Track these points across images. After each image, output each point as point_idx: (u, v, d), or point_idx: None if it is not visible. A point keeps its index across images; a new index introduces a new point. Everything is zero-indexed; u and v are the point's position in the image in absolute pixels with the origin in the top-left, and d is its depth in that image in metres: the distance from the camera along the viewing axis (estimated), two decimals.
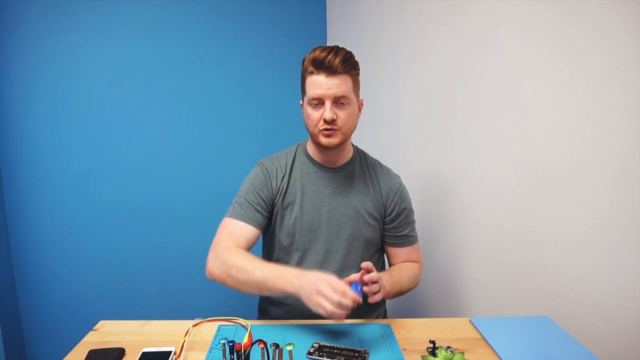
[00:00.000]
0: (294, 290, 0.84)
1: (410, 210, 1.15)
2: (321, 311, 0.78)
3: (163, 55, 1.99)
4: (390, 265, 1.19)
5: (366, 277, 0.88)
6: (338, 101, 0.99)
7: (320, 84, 0.97)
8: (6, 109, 1.85)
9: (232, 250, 0.97)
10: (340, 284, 0.79)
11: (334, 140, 1.01)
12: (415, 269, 1.13)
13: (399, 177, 1.16)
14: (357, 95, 1.05)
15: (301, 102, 1.07)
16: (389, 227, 1.13)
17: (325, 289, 0.78)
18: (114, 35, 1.92)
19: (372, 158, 1.18)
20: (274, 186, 1.09)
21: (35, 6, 1.82)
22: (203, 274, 0.98)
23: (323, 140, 1.01)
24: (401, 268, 1.11)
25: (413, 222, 1.16)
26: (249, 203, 1.05)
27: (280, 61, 2.15)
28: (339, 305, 0.77)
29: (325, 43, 2.23)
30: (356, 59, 1.01)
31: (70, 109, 1.91)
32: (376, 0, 1.73)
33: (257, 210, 1.05)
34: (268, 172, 1.09)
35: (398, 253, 1.15)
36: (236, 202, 1.07)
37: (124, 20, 1.92)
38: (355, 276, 0.88)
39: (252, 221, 1.03)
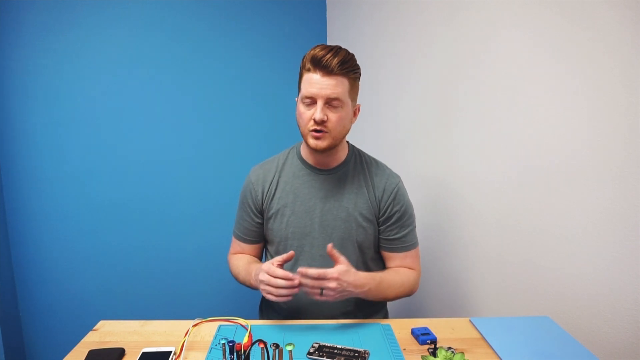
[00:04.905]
0: (257, 284, 0.94)
1: (406, 213, 1.08)
2: (270, 297, 0.88)
3: (162, 56, 1.99)
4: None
5: (311, 272, 0.85)
6: (330, 103, 0.95)
7: (314, 82, 0.95)
8: (6, 109, 1.85)
9: (231, 259, 1.17)
10: (273, 270, 0.88)
11: (321, 144, 0.98)
12: (410, 276, 1.07)
13: (398, 177, 1.11)
14: (354, 100, 1.02)
15: (297, 98, 1.04)
16: (381, 228, 1.08)
17: (262, 277, 0.89)
18: (113, 35, 1.91)
19: (369, 157, 1.13)
20: (258, 195, 1.10)
21: (35, 4, 1.81)
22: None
23: (311, 141, 0.99)
24: (396, 272, 1.06)
25: (409, 226, 1.09)
26: (240, 221, 1.15)
27: (280, 61, 2.14)
28: (272, 285, 0.87)
29: (325, 43, 2.23)
30: (358, 62, 0.99)
31: (71, 109, 1.90)
32: (376, 0, 1.73)
33: (248, 228, 1.14)
34: (252, 183, 1.11)
35: (391, 258, 1.09)
36: (236, 216, 1.18)
37: (122, 20, 1.92)
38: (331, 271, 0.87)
39: (244, 239, 1.15)
